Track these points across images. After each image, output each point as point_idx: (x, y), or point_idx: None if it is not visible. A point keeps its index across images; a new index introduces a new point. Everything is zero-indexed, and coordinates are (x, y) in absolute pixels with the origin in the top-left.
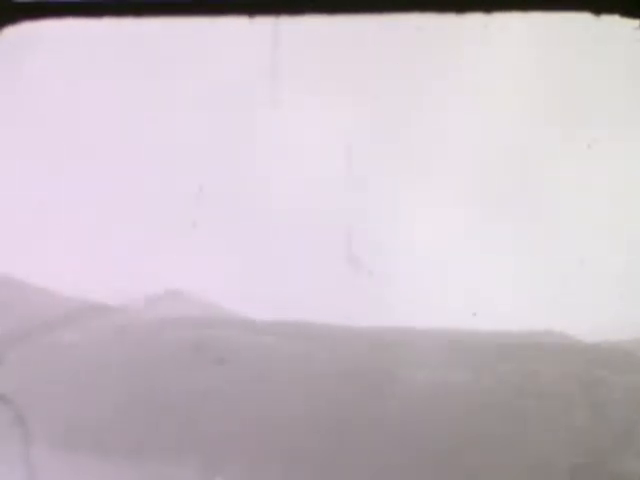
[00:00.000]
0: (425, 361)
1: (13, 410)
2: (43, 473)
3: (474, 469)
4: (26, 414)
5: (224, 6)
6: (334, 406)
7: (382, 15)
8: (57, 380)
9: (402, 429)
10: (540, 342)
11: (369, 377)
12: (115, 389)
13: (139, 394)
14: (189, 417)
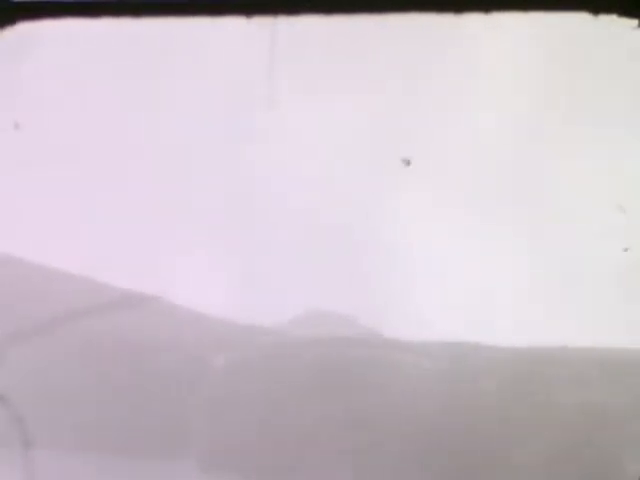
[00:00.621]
0: (580, 381)
1: (13, 411)
2: (42, 472)
3: None
4: (26, 414)
5: (222, 6)
6: (479, 426)
7: (381, 15)
8: (58, 381)
9: (556, 453)
10: None
11: (523, 399)
12: (258, 407)
13: (282, 416)
14: (343, 437)
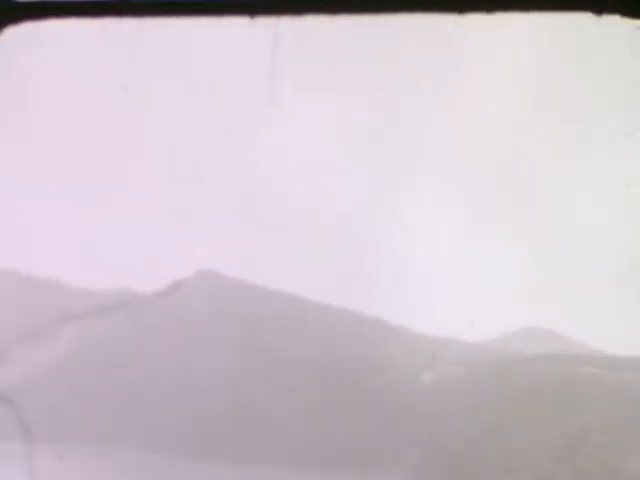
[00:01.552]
0: None
1: (15, 410)
2: (44, 472)
3: None
4: (27, 414)
5: (225, 6)
6: None
7: (383, 15)
8: (59, 381)
9: None
10: None
11: None
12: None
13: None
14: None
